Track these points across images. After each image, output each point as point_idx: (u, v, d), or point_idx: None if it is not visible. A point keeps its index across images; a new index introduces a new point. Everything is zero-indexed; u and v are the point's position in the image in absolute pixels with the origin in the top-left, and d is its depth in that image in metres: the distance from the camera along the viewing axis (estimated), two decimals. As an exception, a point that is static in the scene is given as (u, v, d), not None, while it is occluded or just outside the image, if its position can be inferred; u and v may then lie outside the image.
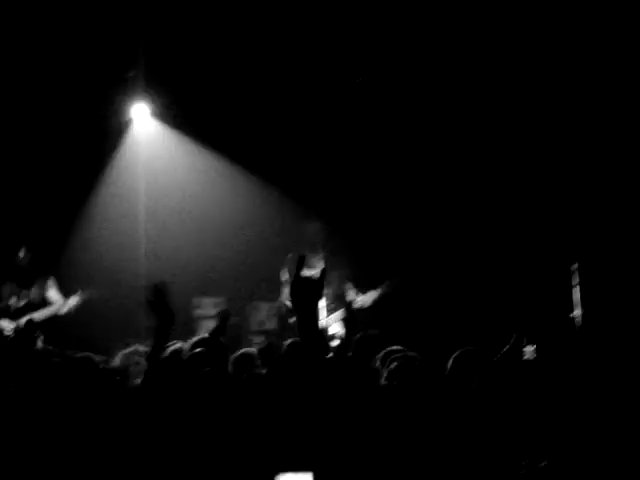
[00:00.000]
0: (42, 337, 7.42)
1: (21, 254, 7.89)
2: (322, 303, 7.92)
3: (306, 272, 7.82)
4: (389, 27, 8.58)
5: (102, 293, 7.96)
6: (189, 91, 9.23)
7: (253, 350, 5.71)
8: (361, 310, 7.99)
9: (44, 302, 7.87)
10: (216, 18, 8.53)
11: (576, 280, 7.77)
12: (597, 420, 4.70)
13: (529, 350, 5.84)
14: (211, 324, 9.26)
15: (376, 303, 8.01)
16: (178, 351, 4.75)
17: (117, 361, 4.51)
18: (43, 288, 7.89)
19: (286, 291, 8.01)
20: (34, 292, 7.85)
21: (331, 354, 5.45)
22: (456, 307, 8.96)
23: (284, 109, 9.32)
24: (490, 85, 8.89)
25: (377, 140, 9.47)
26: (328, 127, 9.40)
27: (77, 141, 9.28)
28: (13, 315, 7.66)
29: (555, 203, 8.93)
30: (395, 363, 4.71)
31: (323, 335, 5.23)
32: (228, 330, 5.76)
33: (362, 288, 8.14)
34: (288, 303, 7.80)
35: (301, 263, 3.83)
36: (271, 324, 8.91)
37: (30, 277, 7.87)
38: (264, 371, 5.31)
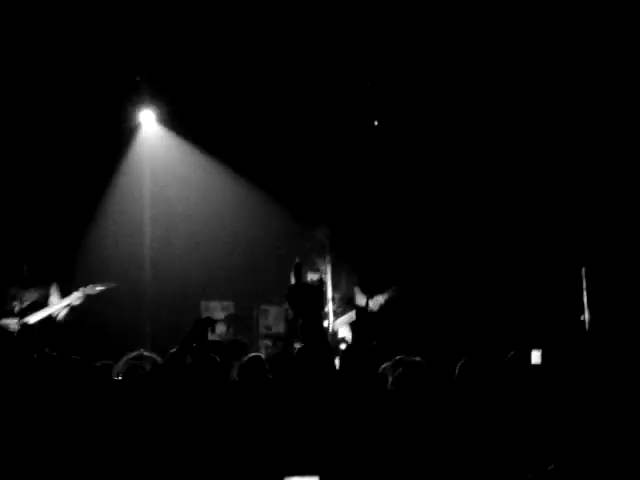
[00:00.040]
0: (40, 340, 7.44)
1: (25, 258, 7.94)
2: (330, 307, 7.93)
3: (313, 276, 7.86)
4: (396, 31, 8.58)
5: (100, 290, 7.94)
6: (195, 98, 9.27)
7: (261, 355, 5.71)
8: (369, 314, 7.98)
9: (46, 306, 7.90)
10: (221, 26, 8.55)
11: (584, 284, 7.75)
12: (604, 424, 4.68)
13: (536, 354, 5.82)
14: (220, 328, 9.32)
15: (383, 308, 8.00)
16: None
17: (121, 366, 4.52)
18: (47, 293, 7.92)
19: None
20: (37, 296, 7.88)
21: (338, 358, 5.45)
22: (463, 312, 8.95)
23: (291, 115, 9.34)
24: (499, 89, 8.89)
25: (386, 143, 9.47)
26: (335, 132, 9.41)
27: (87, 145, 9.33)
28: (17, 315, 7.71)
29: (564, 207, 8.91)
30: (400, 369, 4.71)
31: (327, 340, 5.21)
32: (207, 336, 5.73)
33: (369, 292, 8.13)
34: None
35: (299, 271, 3.85)
36: (279, 328, 8.93)
37: (34, 281, 7.89)
38: (271, 376, 5.32)
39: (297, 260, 8.27)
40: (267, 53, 8.82)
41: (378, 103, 9.29)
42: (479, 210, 9.24)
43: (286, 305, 8.34)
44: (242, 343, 6.31)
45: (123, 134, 9.52)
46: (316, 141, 9.46)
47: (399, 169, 9.46)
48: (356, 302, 8.14)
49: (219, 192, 9.75)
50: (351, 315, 7.98)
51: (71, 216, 9.34)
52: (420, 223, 9.40)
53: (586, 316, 7.50)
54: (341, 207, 9.33)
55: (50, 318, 7.78)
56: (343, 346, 7.76)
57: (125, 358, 4.55)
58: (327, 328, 7.77)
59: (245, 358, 5.40)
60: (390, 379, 4.72)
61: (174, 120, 9.58)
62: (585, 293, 7.61)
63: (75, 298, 7.80)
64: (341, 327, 7.99)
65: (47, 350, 6.68)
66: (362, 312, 7.63)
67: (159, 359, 4.72)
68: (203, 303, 9.45)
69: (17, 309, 7.73)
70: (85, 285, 7.86)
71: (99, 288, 7.86)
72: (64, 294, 7.90)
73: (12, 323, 7.59)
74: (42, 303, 7.82)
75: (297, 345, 5.25)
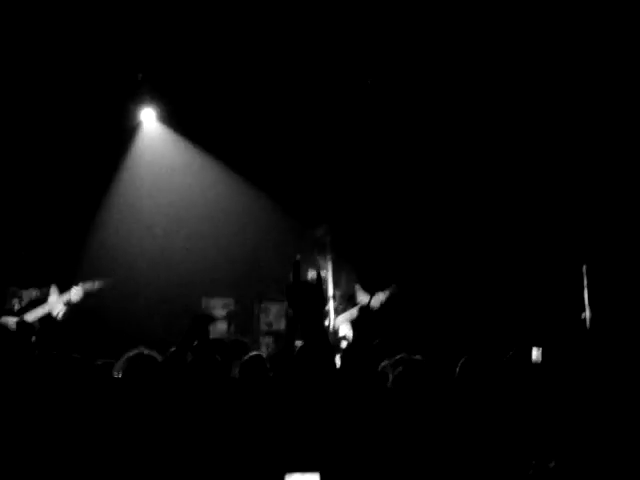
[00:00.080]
0: (37, 338, 7.44)
1: (24, 258, 7.95)
2: (330, 305, 7.94)
3: (314, 274, 7.85)
4: (398, 29, 8.58)
5: (99, 286, 7.95)
6: (194, 98, 9.28)
7: (262, 354, 5.71)
8: (369, 312, 7.99)
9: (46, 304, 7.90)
10: (221, 25, 8.56)
11: (586, 282, 7.75)
12: (605, 421, 4.69)
13: (537, 352, 5.83)
14: (221, 325, 9.32)
15: (383, 305, 8.01)
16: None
17: (121, 364, 4.52)
18: (46, 292, 7.92)
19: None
20: (37, 295, 7.88)
21: (339, 356, 5.46)
22: (464, 310, 8.95)
23: (292, 113, 9.34)
24: (501, 88, 8.89)
25: (388, 142, 9.47)
26: (337, 130, 9.41)
27: (89, 143, 9.35)
28: (16, 314, 7.69)
29: (565, 205, 8.91)
30: (401, 367, 4.71)
31: (328, 337, 5.22)
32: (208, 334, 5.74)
33: (370, 290, 8.14)
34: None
35: (297, 268, 3.85)
36: (280, 325, 8.93)
37: (33, 281, 7.90)
38: (272, 374, 5.32)
39: (297, 258, 8.29)
40: (266, 52, 8.83)
41: (379, 99, 9.29)
42: (480, 208, 9.25)
43: (286, 302, 8.35)
44: (243, 343, 6.30)
45: (124, 132, 9.53)
46: (317, 139, 9.46)
47: (400, 168, 9.46)
48: (357, 300, 8.16)
49: (219, 189, 9.76)
50: (352, 313, 8.00)
51: (71, 214, 9.35)
52: (421, 221, 9.40)
53: (587, 314, 7.49)
54: (342, 205, 9.34)
55: (50, 316, 7.79)
56: (344, 344, 7.77)
57: (125, 356, 4.56)
58: (328, 326, 7.78)
59: (246, 357, 5.40)
60: (390, 377, 4.72)
61: (174, 119, 9.60)
62: (586, 291, 7.60)
63: (74, 294, 7.81)
64: (342, 325, 8.00)
65: (47, 348, 6.70)
66: (364, 310, 7.65)
67: (159, 357, 4.72)
68: (204, 300, 9.45)
69: (17, 307, 7.73)
70: (84, 281, 7.87)
71: (97, 284, 7.86)
72: (62, 290, 7.91)
73: (12, 321, 7.52)
74: (41, 301, 7.83)
75: (298, 343, 5.25)
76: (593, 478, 4.43)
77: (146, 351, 4.60)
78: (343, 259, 8.16)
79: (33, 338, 7.46)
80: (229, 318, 9.38)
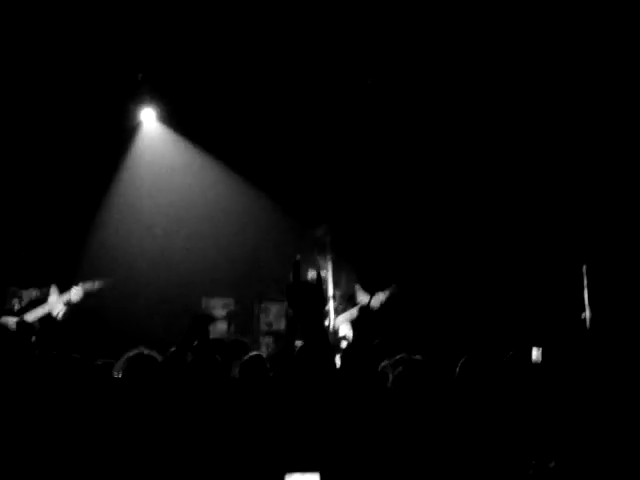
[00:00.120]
0: (37, 338, 7.43)
1: (24, 258, 7.94)
2: (330, 305, 7.94)
3: (314, 274, 7.85)
4: (397, 29, 8.58)
5: (99, 286, 7.95)
6: (195, 97, 9.29)
7: (262, 354, 5.71)
8: (370, 312, 8.00)
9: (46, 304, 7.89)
10: (221, 24, 8.55)
11: (586, 282, 7.74)
12: (605, 422, 4.69)
13: (537, 352, 5.83)
14: (221, 325, 9.32)
15: (383, 305, 8.01)
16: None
17: (122, 364, 4.52)
18: (46, 292, 7.91)
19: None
20: (37, 295, 7.87)
21: (339, 356, 5.46)
22: (464, 310, 8.95)
23: (292, 113, 9.34)
24: (501, 87, 8.89)
25: (387, 142, 9.47)
26: (337, 130, 9.41)
27: (90, 143, 9.35)
28: (17, 314, 7.68)
29: (565, 205, 8.91)
30: (401, 368, 4.71)
31: (328, 337, 5.21)
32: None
33: (370, 290, 8.15)
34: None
35: (297, 269, 3.84)
36: (280, 325, 8.93)
37: (33, 281, 7.90)
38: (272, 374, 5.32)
39: (297, 258, 8.29)
40: (266, 52, 8.82)
41: (379, 100, 9.29)
42: (479, 208, 9.24)
43: (286, 302, 8.35)
44: (243, 342, 6.30)
45: (124, 132, 9.54)
46: (317, 139, 9.46)
47: (400, 168, 9.46)
48: (357, 300, 8.16)
49: (219, 189, 9.76)
50: (352, 313, 8.00)
51: (71, 214, 9.35)
52: (421, 221, 9.40)
53: (587, 314, 7.49)
54: (342, 205, 9.34)
55: (50, 316, 7.78)
56: (344, 344, 7.77)
57: (125, 356, 4.56)
58: (328, 326, 7.78)
59: (246, 357, 5.40)
60: (390, 377, 4.72)
61: (174, 119, 9.61)
62: (586, 291, 7.60)
63: (74, 294, 7.81)
64: (342, 325, 8.01)
65: (48, 348, 6.69)
66: (364, 310, 7.65)
67: (159, 357, 4.72)
68: (204, 300, 9.45)
69: (17, 307, 7.73)
70: (84, 281, 7.87)
71: (97, 284, 7.86)
72: (62, 290, 7.90)
73: (12, 321, 7.51)
74: (41, 301, 7.82)
75: (298, 343, 5.25)
76: (593, 478, 4.43)
77: (146, 351, 4.60)
78: (343, 259, 8.16)
79: (33, 338, 7.47)
80: (229, 318, 9.37)
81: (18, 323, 7.44)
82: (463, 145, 9.22)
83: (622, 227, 8.58)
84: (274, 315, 9.13)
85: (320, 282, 3.82)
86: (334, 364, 4.69)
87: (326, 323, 7.74)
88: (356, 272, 8.26)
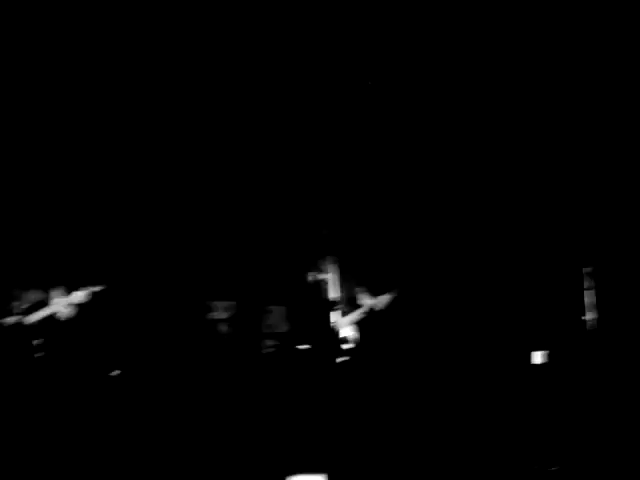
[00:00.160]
0: (39, 341, 7.43)
1: (31, 258, 7.93)
2: (333, 307, 7.95)
3: (319, 276, 7.90)
4: (399, 30, 8.58)
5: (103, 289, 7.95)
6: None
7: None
8: (373, 314, 8.02)
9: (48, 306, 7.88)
10: (222, 25, 8.56)
11: (588, 283, 7.74)
12: (608, 425, 4.69)
13: (540, 355, 5.84)
14: (223, 328, 9.31)
15: (386, 307, 8.02)
16: None
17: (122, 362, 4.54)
18: (49, 293, 7.90)
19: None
20: (39, 296, 7.86)
21: (343, 357, 5.47)
22: (466, 312, 8.94)
23: (294, 114, 9.34)
24: (504, 87, 8.89)
25: (390, 142, 9.47)
26: (338, 130, 9.41)
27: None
28: (19, 315, 7.63)
29: (567, 206, 8.91)
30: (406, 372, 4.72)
31: (333, 339, 5.23)
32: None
33: (372, 292, 8.16)
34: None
35: (301, 271, 3.85)
36: (282, 328, 8.92)
37: (35, 282, 7.89)
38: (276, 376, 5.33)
39: (301, 259, 8.33)
40: (268, 52, 8.83)
41: (380, 101, 9.29)
42: (483, 209, 9.24)
43: (290, 305, 8.36)
44: None
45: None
46: (318, 140, 9.46)
47: (402, 169, 9.46)
48: (359, 302, 8.17)
49: (221, 188, 9.74)
50: (355, 315, 8.00)
51: (73, 213, 9.33)
52: (423, 223, 9.40)
53: (589, 316, 7.50)
54: (345, 207, 9.33)
55: (52, 318, 7.77)
56: (347, 346, 7.77)
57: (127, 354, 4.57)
58: (331, 328, 7.79)
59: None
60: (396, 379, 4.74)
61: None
62: (589, 293, 7.61)
63: (77, 297, 7.81)
64: (345, 327, 8.01)
65: (50, 350, 6.70)
66: (367, 312, 7.68)
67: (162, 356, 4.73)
68: (206, 303, 9.43)
69: (20, 309, 7.69)
70: (88, 284, 7.86)
71: (101, 287, 7.87)
72: (66, 294, 7.90)
73: (13, 322, 7.51)
74: (44, 303, 7.82)
75: (301, 345, 5.27)
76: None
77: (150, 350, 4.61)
78: (347, 261, 8.17)
79: (35, 341, 7.47)
80: (231, 321, 9.37)
81: (21, 326, 7.44)
82: (465, 146, 9.22)
83: (624, 228, 8.58)
84: (277, 318, 9.13)
85: (324, 285, 3.82)
86: (337, 365, 4.70)
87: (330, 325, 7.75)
88: (359, 274, 8.27)
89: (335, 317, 7.94)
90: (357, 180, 9.52)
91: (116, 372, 4.80)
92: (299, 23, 8.50)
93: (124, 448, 4.35)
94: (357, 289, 8.25)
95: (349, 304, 8.14)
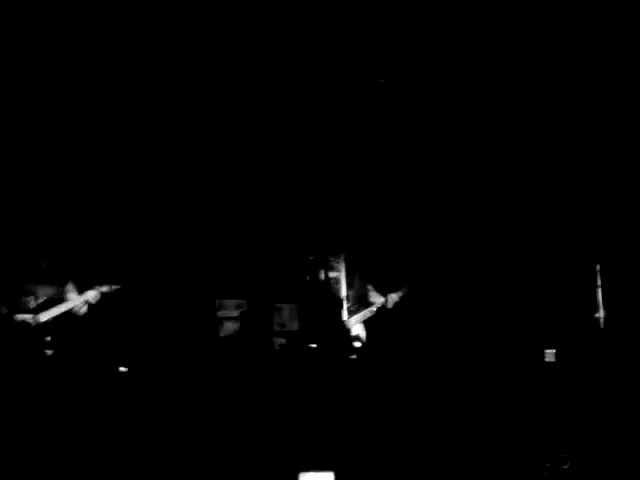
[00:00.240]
0: (52, 338, 7.42)
1: (43, 254, 7.91)
2: (344, 305, 7.95)
3: (329, 275, 7.90)
4: (410, 28, 8.58)
5: (117, 289, 7.95)
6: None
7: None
8: (383, 312, 8.03)
9: (62, 301, 7.78)
10: (227, 25, 8.57)
11: (599, 281, 7.73)
12: (619, 423, 4.68)
13: (551, 353, 5.83)
14: (234, 326, 9.33)
15: (397, 306, 8.02)
16: None
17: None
18: (63, 289, 7.87)
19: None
20: (53, 292, 7.83)
21: (353, 356, 5.48)
22: (477, 310, 8.94)
23: (307, 112, 9.34)
24: (516, 85, 8.88)
25: (401, 141, 9.47)
26: (350, 128, 9.41)
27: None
28: (32, 312, 7.59)
29: (578, 204, 8.90)
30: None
31: (344, 337, 5.24)
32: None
33: (383, 291, 8.17)
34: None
35: (312, 269, 3.86)
36: (293, 326, 8.93)
37: (50, 277, 7.86)
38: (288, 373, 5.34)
39: (310, 258, 8.34)
40: (277, 50, 8.83)
41: (392, 100, 9.29)
42: (494, 207, 9.24)
43: (301, 303, 8.37)
44: None
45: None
46: (330, 138, 9.46)
47: (413, 168, 9.46)
48: (370, 300, 8.17)
49: (233, 186, 9.76)
50: (365, 313, 8.01)
51: (86, 211, 9.35)
52: (434, 221, 9.40)
53: (601, 314, 7.48)
54: (356, 205, 9.34)
55: (66, 315, 7.74)
56: (357, 344, 7.78)
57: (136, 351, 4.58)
58: (342, 326, 7.79)
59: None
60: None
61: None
62: (599, 290, 7.59)
63: (92, 296, 7.80)
64: (355, 325, 8.01)
65: (63, 348, 6.69)
66: (377, 311, 7.69)
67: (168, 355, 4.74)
68: (217, 301, 9.45)
69: (32, 305, 7.65)
70: (103, 284, 7.87)
71: (114, 287, 7.87)
72: (81, 290, 7.86)
73: (24, 321, 7.47)
74: (58, 300, 7.75)
75: (312, 344, 5.28)
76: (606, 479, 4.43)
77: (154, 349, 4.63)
78: (356, 259, 8.17)
79: (48, 338, 7.46)
80: (242, 319, 9.38)
81: (34, 324, 7.43)
82: (476, 145, 9.21)
83: (636, 226, 8.56)
84: (287, 316, 9.14)
85: (335, 284, 3.82)
86: (348, 363, 4.71)
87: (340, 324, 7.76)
88: (369, 272, 8.27)
89: (345, 315, 7.95)
90: (367, 178, 9.52)
91: (126, 369, 4.81)
92: (312, 19, 8.50)
93: (137, 444, 4.36)
94: (367, 287, 8.26)
95: (359, 302, 8.14)
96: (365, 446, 4.39)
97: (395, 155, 9.48)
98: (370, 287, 8.22)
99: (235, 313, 9.35)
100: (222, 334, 8.82)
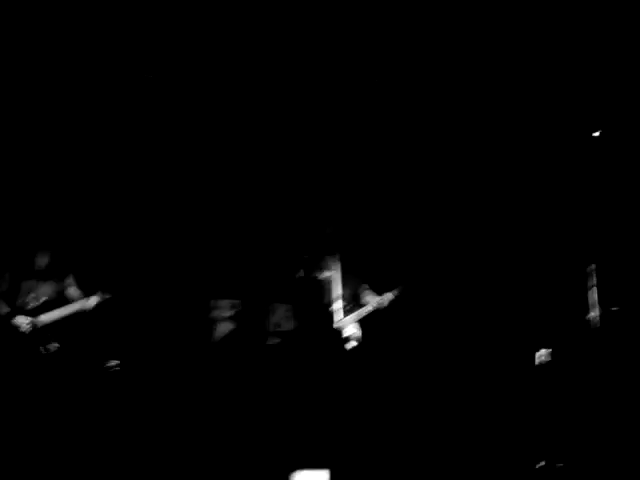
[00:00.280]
0: (55, 341, 7.24)
1: (40, 251, 7.78)
2: (337, 304, 7.95)
3: (323, 274, 7.92)
4: (404, 28, 8.59)
5: (119, 292, 7.89)
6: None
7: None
8: (377, 312, 8.03)
9: (63, 300, 7.60)
10: (225, 25, 8.58)
11: (593, 281, 7.74)
12: (613, 423, 4.69)
13: (545, 353, 5.84)
14: (228, 326, 9.33)
15: (391, 305, 8.03)
16: None
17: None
18: (63, 285, 7.73)
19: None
20: (54, 290, 7.68)
21: (347, 355, 5.48)
22: (471, 310, 8.95)
23: (299, 111, 9.35)
24: (511, 87, 8.90)
25: (395, 141, 9.48)
26: (343, 128, 9.42)
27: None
28: (30, 313, 7.36)
29: (571, 203, 8.92)
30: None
31: (337, 337, 5.24)
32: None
33: (377, 290, 8.18)
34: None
35: (306, 268, 3.87)
36: (288, 326, 8.94)
37: (49, 274, 7.68)
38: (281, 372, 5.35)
39: (305, 257, 8.35)
40: (271, 50, 8.84)
41: (387, 99, 9.30)
42: (487, 207, 9.26)
43: (295, 302, 8.37)
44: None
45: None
46: (323, 138, 9.47)
47: (408, 167, 9.47)
48: (364, 300, 8.18)
49: (226, 186, 9.77)
50: (359, 313, 8.01)
51: (82, 208, 9.34)
52: (428, 221, 9.41)
53: (594, 314, 7.49)
54: (350, 204, 9.35)
55: (71, 318, 7.45)
56: (351, 344, 7.78)
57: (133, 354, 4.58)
58: (335, 326, 7.80)
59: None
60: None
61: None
62: (593, 290, 7.60)
63: (93, 301, 7.59)
64: (349, 325, 8.01)
65: (73, 355, 6.56)
66: (372, 310, 7.70)
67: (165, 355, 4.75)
68: (211, 301, 9.46)
69: (31, 305, 7.45)
70: (104, 291, 7.72)
71: (111, 294, 7.70)
72: (81, 286, 7.71)
73: (24, 323, 7.23)
74: (58, 299, 7.53)
75: (305, 343, 5.27)
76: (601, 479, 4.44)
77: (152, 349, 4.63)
78: (351, 258, 8.18)
79: (55, 345, 7.19)
80: (236, 319, 9.38)
81: (33, 328, 7.23)
82: (471, 146, 9.23)
83: (630, 226, 8.59)
84: (282, 316, 9.14)
85: (328, 282, 3.83)
86: (342, 362, 4.72)
87: (334, 323, 7.77)
88: (364, 272, 8.28)
89: (339, 315, 7.95)
90: (361, 178, 9.54)
91: (122, 369, 4.81)
92: (308, 20, 8.51)
93: (133, 445, 4.36)
94: (361, 287, 8.27)
95: (353, 302, 8.15)
96: (360, 444, 4.39)
97: (389, 154, 9.50)
98: (365, 286, 8.23)
99: (229, 313, 9.36)
100: (216, 335, 8.81)
